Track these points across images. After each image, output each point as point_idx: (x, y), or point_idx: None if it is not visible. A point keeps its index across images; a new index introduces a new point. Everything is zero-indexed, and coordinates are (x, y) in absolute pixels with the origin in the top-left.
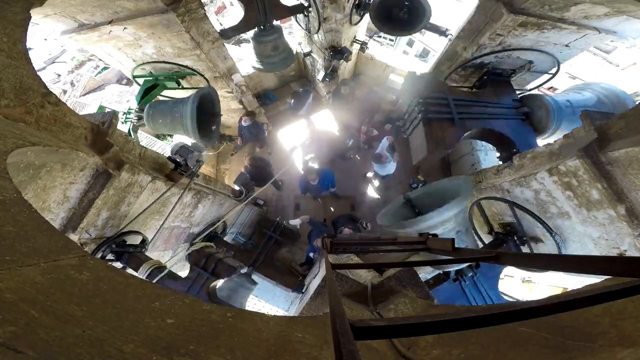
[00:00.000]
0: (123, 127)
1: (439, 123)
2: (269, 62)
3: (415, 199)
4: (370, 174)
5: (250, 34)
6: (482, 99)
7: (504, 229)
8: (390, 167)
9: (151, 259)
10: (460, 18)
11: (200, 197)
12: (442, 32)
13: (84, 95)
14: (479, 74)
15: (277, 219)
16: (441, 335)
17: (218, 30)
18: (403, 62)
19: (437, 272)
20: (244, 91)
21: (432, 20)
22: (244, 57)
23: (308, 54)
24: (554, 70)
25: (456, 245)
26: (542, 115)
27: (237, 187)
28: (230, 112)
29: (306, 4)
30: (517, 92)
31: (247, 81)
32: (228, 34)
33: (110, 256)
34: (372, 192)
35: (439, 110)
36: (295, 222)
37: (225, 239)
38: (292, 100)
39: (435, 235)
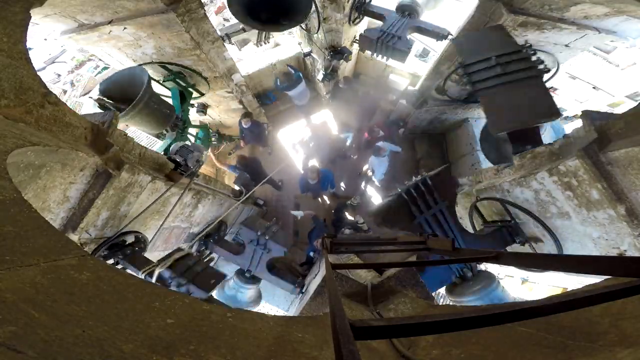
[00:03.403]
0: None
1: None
2: None
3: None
4: (366, 167)
5: None
6: None
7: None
8: (384, 168)
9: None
10: (460, 18)
11: (200, 197)
12: (440, 37)
13: (84, 95)
14: None
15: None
16: (441, 335)
17: (220, 33)
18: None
19: None
20: (244, 91)
21: (431, 23)
22: (243, 57)
23: (308, 54)
24: (553, 70)
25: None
26: None
27: (237, 187)
28: (230, 112)
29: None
30: None
31: (247, 81)
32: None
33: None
34: (371, 191)
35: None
36: (298, 213)
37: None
38: (280, 81)
39: (435, 235)
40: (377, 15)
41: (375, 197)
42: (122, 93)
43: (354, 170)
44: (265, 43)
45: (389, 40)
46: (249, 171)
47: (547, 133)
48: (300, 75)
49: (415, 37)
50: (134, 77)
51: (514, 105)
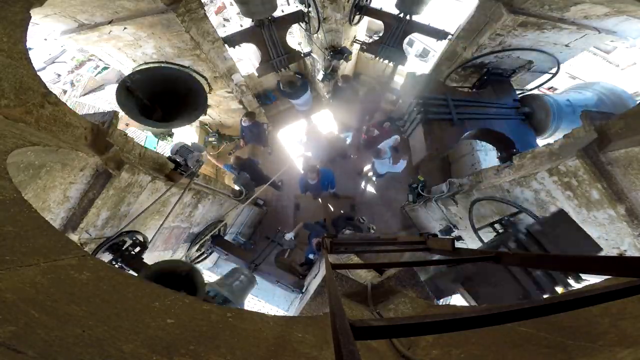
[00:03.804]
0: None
1: (438, 123)
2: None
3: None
4: (367, 168)
5: None
6: (482, 99)
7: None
8: (398, 166)
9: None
10: (460, 18)
11: (200, 197)
12: (440, 36)
13: (84, 95)
14: (478, 74)
15: (279, 228)
16: (441, 335)
17: (222, 37)
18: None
19: None
20: (244, 91)
21: (431, 22)
22: (243, 57)
23: (308, 54)
24: (554, 70)
25: None
26: (542, 116)
27: (237, 187)
28: (230, 112)
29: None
30: (518, 92)
31: (247, 81)
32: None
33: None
34: (370, 189)
35: (438, 111)
36: (290, 235)
37: (225, 239)
38: (286, 89)
39: (435, 235)
40: (377, 15)
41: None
42: (152, 88)
43: (354, 170)
44: (286, 69)
45: (387, 55)
46: (248, 171)
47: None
48: (307, 82)
49: (415, 37)
50: (175, 78)
51: (415, 144)
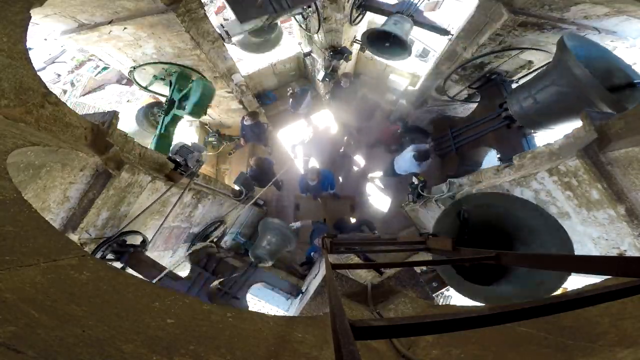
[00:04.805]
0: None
1: (448, 156)
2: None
3: (475, 214)
4: (373, 175)
5: None
6: (475, 118)
7: None
8: (423, 165)
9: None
10: (460, 18)
11: (200, 197)
12: (443, 32)
13: (84, 95)
14: (478, 74)
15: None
16: (441, 335)
17: (219, 31)
18: (403, 62)
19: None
20: (244, 91)
21: (432, 20)
22: (244, 57)
23: (308, 54)
24: None
25: None
26: (517, 107)
27: (237, 187)
28: (230, 112)
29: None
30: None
31: (247, 81)
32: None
33: (110, 256)
34: (373, 192)
35: (445, 146)
36: (296, 224)
37: (225, 238)
38: (291, 101)
39: (435, 235)
40: (379, 11)
41: (379, 197)
42: None
43: (355, 170)
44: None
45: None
46: (262, 173)
47: None
48: (306, 88)
49: (415, 37)
50: None
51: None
